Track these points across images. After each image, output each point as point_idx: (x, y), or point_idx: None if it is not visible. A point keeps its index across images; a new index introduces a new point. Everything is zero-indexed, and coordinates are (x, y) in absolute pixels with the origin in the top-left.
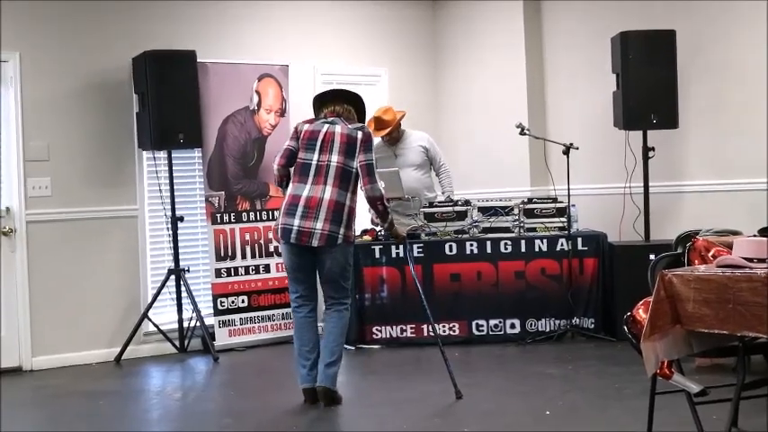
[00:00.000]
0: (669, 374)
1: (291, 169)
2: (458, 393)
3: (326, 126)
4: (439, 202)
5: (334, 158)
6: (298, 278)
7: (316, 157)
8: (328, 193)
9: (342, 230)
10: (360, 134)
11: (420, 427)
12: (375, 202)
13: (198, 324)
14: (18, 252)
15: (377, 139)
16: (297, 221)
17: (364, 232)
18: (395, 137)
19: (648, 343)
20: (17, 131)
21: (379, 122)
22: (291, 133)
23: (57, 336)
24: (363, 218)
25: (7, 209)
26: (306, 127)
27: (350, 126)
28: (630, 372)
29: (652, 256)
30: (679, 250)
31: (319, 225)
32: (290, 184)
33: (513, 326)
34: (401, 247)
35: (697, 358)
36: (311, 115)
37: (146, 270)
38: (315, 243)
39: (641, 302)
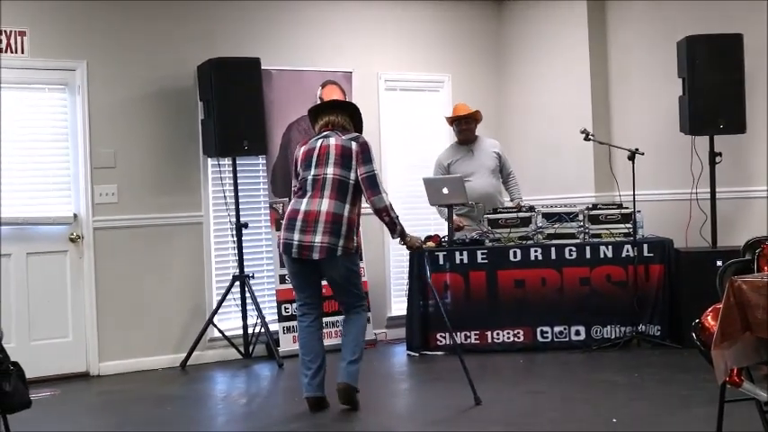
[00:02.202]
0: (739, 382)
1: None
2: (477, 400)
3: (321, 141)
4: (503, 208)
5: (330, 171)
6: (300, 286)
7: (312, 171)
8: (325, 205)
9: (341, 242)
10: (354, 145)
11: None
12: (381, 213)
13: (262, 330)
14: (85, 258)
15: (449, 146)
16: (297, 236)
17: (428, 238)
18: (471, 128)
19: (718, 350)
20: (84, 139)
21: (458, 110)
22: (292, 168)
23: (123, 341)
24: (426, 225)
25: (75, 215)
26: (301, 150)
27: (344, 137)
28: (697, 379)
29: (719, 263)
30: (748, 256)
31: (318, 238)
32: (292, 200)
33: (578, 333)
34: (464, 253)
35: (767, 366)
36: (374, 123)
37: (211, 276)
38: (315, 256)
39: (710, 309)
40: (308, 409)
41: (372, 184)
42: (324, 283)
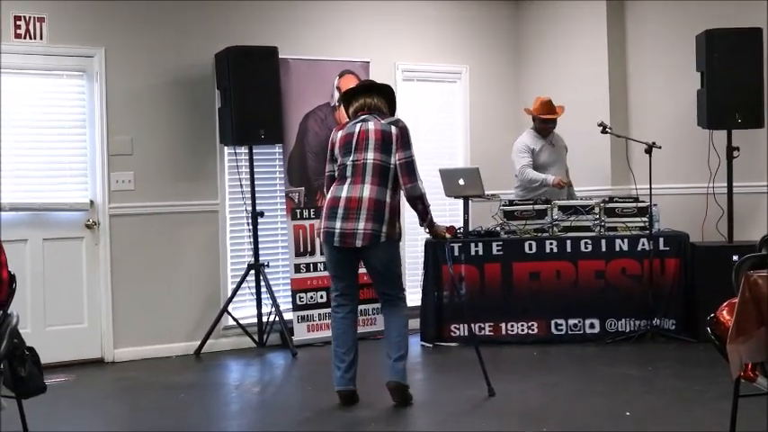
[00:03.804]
0: (753, 377)
1: None
2: (491, 391)
3: (359, 125)
4: (519, 200)
5: (370, 156)
6: (339, 276)
7: (352, 157)
8: (367, 191)
9: (384, 228)
10: (394, 129)
11: (501, 426)
12: (415, 201)
13: (277, 319)
14: (101, 245)
15: (528, 133)
16: (339, 224)
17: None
18: (551, 127)
19: (733, 345)
20: (101, 126)
21: (549, 107)
22: (328, 152)
23: (138, 328)
24: (441, 215)
25: (91, 202)
26: (339, 135)
27: (383, 121)
28: (712, 374)
29: (735, 258)
30: (764, 251)
31: (361, 225)
32: (331, 187)
33: (592, 326)
34: (479, 244)
35: None
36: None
37: (226, 265)
38: (358, 243)
39: (725, 304)
40: (338, 402)
41: (410, 170)
42: (361, 271)
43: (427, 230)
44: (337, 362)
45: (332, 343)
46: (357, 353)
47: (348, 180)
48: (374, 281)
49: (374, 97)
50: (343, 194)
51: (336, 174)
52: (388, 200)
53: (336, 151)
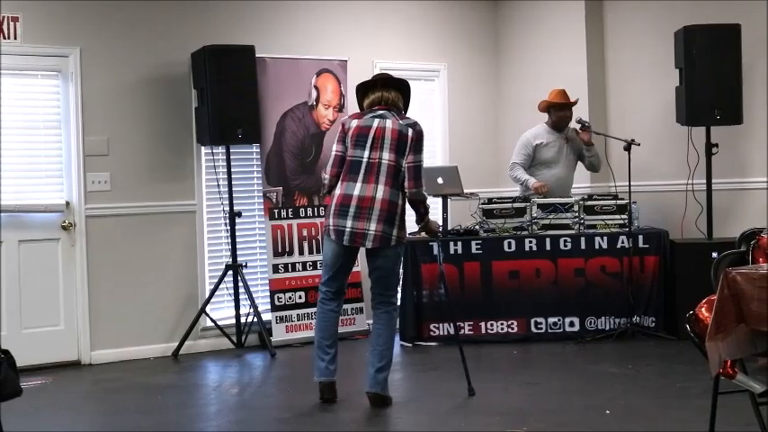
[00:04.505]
0: (733, 374)
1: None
2: (471, 391)
3: (377, 121)
4: (498, 199)
5: (386, 156)
6: (336, 274)
7: (366, 154)
8: (380, 192)
9: (395, 231)
10: (411, 132)
11: (481, 425)
12: (418, 204)
13: (255, 320)
14: (77, 246)
15: (539, 126)
16: (350, 222)
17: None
18: (569, 115)
19: (712, 342)
20: (77, 126)
21: (564, 95)
22: (338, 133)
23: (115, 330)
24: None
25: (67, 203)
26: (354, 123)
27: (401, 122)
28: (692, 371)
29: (715, 255)
30: (743, 248)
31: (373, 226)
32: (339, 183)
33: (572, 324)
34: (458, 243)
35: (761, 358)
36: None
37: (203, 265)
38: (369, 245)
39: (704, 301)
40: (317, 400)
41: (417, 174)
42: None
43: (420, 227)
44: (321, 353)
45: (316, 335)
46: (337, 348)
47: (361, 178)
48: (375, 281)
49: (392, 92)
50: (356, 193)
51: (345, 167)
52: (400, 202)
53: (348, 139)
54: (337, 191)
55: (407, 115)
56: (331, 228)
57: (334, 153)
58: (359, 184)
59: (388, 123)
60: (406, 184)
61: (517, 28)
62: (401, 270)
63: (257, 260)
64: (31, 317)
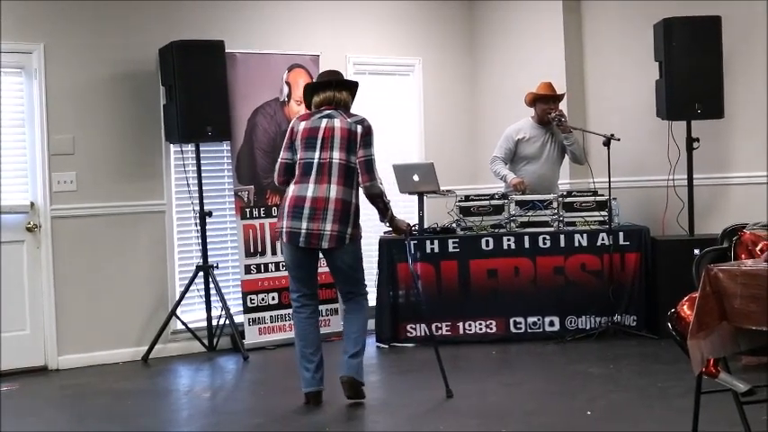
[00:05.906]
0: (715, 373)
1: None
2: (449, 392)
3: (325, 121)
4: (475, 196)
5: (336, 155)
6: (301, 278)
7: (317, 155)
8: (333, 191)
9: (349, 230)
10: (359, 128)
11: (460, 427)
12: (375, 199)
13: (227, 322)
14: (43, 248)
15: (523, 120)
16: (304, 224)
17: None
18: (552, 108)
19: (694, 341)
20: (41, 125)
21: (550, 87)
22: (286, 139)
23: (83, 334)
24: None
25: (32, 204)
26: (302, 125)
27: (349, 120)
28: (674, 370)
29: (696, 251)
30: (725, 244)
31: (328, 226)
32: (292, 185)
33: (552, 323)
34: (435, 242)
35: (744, 356)
36: None
37: (173, 266)
38: (325, 245)
39: (686, 298)
40: (298, 405)
41: (369, 168)
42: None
43: (388, 226)
44: (305, 363)
45: (297, 344)
46: (322, 352)
47: (313, 179)
48: (338, 280)
49: (343, 92)
50: (309, 194)
51: (297, 170)
52: (353, 200)
53: (297, 142)
54: (290, 192)
55: (355, 112)
56: (284, 230)
57: (279, 161)
58: (311, 185)
59: (337, 123)
60: (360, 179)
61: (492, 19)
62: (363, 265)
63: (229, 261)
64: None
